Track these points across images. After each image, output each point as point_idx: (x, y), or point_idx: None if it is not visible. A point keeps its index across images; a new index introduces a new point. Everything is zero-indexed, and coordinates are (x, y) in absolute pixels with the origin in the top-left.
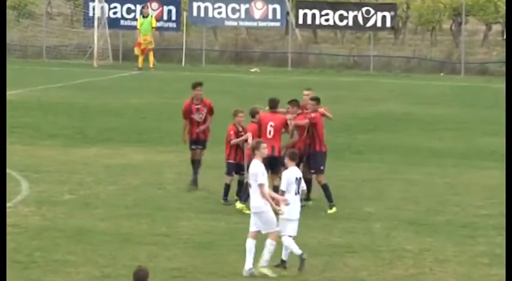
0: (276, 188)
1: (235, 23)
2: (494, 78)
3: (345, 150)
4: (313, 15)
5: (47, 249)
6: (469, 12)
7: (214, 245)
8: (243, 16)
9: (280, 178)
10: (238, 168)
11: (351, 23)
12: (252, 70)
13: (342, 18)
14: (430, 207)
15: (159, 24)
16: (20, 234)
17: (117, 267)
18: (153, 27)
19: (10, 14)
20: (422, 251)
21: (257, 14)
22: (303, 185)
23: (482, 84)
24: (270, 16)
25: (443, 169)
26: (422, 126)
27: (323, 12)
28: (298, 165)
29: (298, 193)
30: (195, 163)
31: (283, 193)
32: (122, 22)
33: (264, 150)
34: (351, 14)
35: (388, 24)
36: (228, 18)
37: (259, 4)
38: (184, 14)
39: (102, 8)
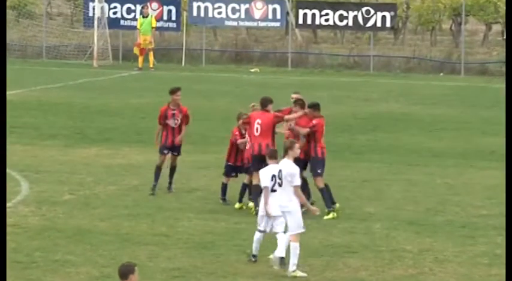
0: (256, 186)
1: (235, 23)
2: (494, 78)
3: (345, 150)
4: (313, 15)
5: (47, 249)
6: (469, 12)
7: (214, 245)
8: (243, 16)
9: None
10: (236, 170)
11: (350, 23)
12: (252, 70)
13: (341, 18)
14: (430, 207)
15: (159, 24)
16: (20, 234)
17: (117, 267)
18: (153, 27)
19: (10, 14)
20: (422, 251)
21: (257, 14)
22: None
23: (482, 84)
24: (270, 16)
25: (443, 169)
26: (422, 126)
27: (323, 12)
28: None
29: (275, 190)
30: (160, 169)
31: (265, 189)
32: (122, 22)
33: (297, 150)
34: (351, 14)
35: (388, 24)
36: (228, 18)
37: (259, 4)
38: (184, 14)
39: (102, 8)
